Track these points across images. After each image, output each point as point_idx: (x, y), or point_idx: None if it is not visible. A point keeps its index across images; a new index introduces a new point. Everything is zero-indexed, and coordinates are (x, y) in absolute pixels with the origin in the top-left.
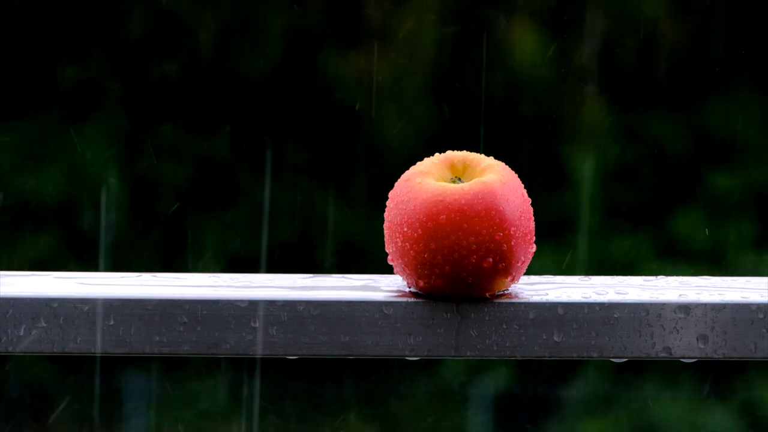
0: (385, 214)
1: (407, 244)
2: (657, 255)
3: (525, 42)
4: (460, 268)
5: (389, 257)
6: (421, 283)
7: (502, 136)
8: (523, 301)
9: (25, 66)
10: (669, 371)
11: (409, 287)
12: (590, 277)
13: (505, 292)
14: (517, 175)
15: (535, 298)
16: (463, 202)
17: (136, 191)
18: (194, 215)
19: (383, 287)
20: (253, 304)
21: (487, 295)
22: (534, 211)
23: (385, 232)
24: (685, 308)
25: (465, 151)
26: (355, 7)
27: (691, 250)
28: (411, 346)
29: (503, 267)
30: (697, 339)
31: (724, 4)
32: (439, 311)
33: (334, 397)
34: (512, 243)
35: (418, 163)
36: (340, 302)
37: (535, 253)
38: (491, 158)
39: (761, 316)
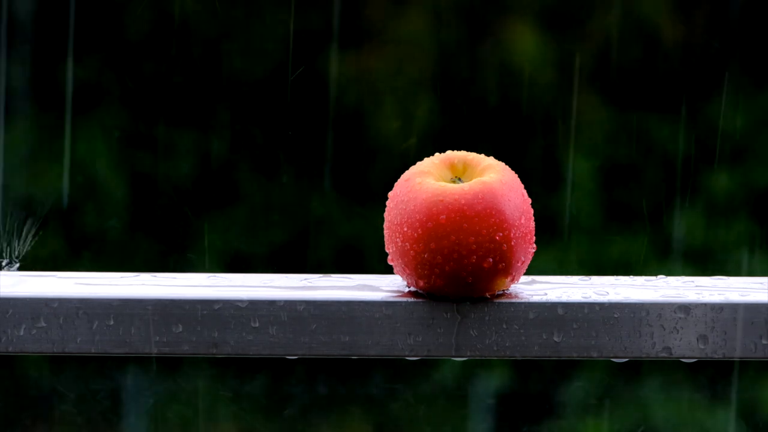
0: (385, 214)
1: (407, 244)
2: (657, 255)
3: (525, 42)
4: (460, 268)
5: (389, 257)
6: (421, 283)
7: (502, 136)
8: (523, 301)
9: (25, 66)
10: (669, 371)
11: (409, 287)
12: (590, 277)
13: (505, 292)
14: (517, 175)
15: (535, 298)
16: (463, 202)
17: (135, 191)
18: (194, 215)
19: (383, 287)
20: (253, 304)
21: (487, 295)
22: (534, 211)
23: (385, 232)
24: (685, 308)
25: (465, 151)
26: (356, 7)
27: (690, 250)
28: (411, 346)
29: (503, 267)
30: (697, 339)
31: (725, 4)
32: (439, 311)
33: (334, 397)
34: (512, 243)
35: (418, 163)
36: (340, 302)
37: (535, 253)
38: (491, 158)
39: (761, 316)
